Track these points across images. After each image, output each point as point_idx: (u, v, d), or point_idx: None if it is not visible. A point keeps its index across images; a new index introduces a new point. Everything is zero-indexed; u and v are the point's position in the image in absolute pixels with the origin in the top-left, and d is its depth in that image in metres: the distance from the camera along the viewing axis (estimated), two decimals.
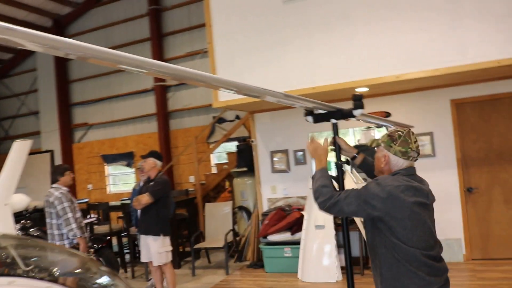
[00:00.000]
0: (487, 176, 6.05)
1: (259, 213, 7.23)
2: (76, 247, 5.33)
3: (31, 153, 13.95)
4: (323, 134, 6.84)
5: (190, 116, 11.39)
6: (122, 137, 12.37)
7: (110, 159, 12.59)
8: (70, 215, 5.25)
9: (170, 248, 5.55)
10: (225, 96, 5.98)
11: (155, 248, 5.43)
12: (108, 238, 7.01)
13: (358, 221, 5.74)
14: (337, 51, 5.35)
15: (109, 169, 12.97)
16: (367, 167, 2.76)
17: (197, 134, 10.40)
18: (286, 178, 7.10)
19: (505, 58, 4.68)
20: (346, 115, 2.66)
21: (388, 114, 6.42)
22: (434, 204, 2.42)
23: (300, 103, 2.51)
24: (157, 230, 5.42)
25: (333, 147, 2.68)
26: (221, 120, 10.71)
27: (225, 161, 9.84)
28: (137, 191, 6.06)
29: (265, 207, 7.21)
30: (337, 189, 2.44)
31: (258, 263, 7.00)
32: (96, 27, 12.49)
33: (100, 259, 6.53)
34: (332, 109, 2.69)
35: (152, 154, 5.71)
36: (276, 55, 5.66)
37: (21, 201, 5.22)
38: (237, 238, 7.78)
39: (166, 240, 5.50)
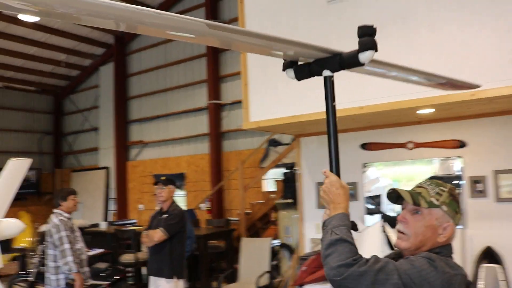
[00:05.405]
0: None
1: (299, 255, 6.08)
2: (71, 283, 4.65)
3: (89, 169, 14.11)
4: (386, 165, 5.62)
5: (245, 137, 10.50)
6: (175, 157, 11.79)
7: None
8: (67, 246, 4.57)
9: None
10: (257, 116, 5.02)
11: None
12: (127, 269, 6.26)
13: None
14: (392, 59, 4.16)
15: None
16: None
17: (250, 158, 9.51)
18: None
19: None
20: (347, 62, 1.67)
21: (462, 144, 5.07)
22: None
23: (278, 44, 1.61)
24: (170, 272, 4.56)
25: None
26: (276, 143, 9.73)
27: (274, 189, 8.80)
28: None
29: (307, 248, 6.04)
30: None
31: None
32: (156, 43, 12.14)
33: None
34: (324, 54, 1.69)
35: (171, 180, 4.85)
36: None
37: (13, 226, 4.53)
38: (275, 281, 6.67)
39: (180, 284, 4.62)
